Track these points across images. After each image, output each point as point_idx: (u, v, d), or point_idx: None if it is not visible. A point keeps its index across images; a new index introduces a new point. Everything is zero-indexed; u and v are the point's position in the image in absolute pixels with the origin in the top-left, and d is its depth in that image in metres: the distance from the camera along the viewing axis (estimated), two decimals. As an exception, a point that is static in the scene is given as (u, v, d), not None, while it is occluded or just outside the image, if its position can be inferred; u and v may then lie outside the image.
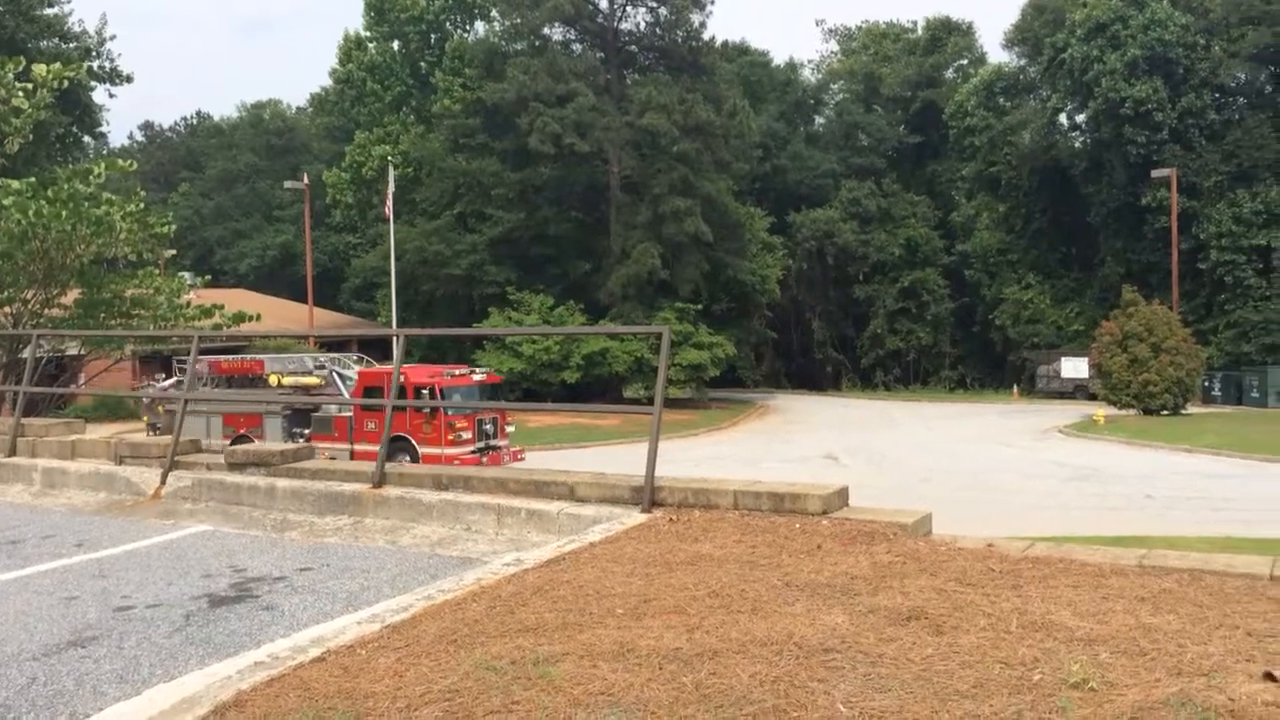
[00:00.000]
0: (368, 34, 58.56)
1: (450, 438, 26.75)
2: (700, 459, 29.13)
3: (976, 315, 58.78)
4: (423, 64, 57.19)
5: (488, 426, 28.00)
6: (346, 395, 28.33)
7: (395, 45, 58.18)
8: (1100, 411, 38.39)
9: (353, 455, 26.90)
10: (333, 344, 39.06)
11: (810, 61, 75.70)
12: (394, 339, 14.09)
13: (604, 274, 49.47)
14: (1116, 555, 7.63)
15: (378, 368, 33.23)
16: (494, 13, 55.28)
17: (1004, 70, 61.25)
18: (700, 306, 49.46)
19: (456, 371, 29.21)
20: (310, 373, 28.79)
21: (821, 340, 62.83)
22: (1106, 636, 5.25)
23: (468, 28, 59.23)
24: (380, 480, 9.72)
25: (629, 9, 52.29)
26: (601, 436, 35.21)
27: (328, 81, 64.02)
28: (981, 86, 59.53)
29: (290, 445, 11.91)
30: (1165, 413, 38.35)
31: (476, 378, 29.73)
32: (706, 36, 52.41)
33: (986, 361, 58.74)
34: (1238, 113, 49.07)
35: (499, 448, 27.98)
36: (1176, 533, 17.49)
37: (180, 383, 30.37)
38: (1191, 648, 5.07)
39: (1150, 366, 38.18)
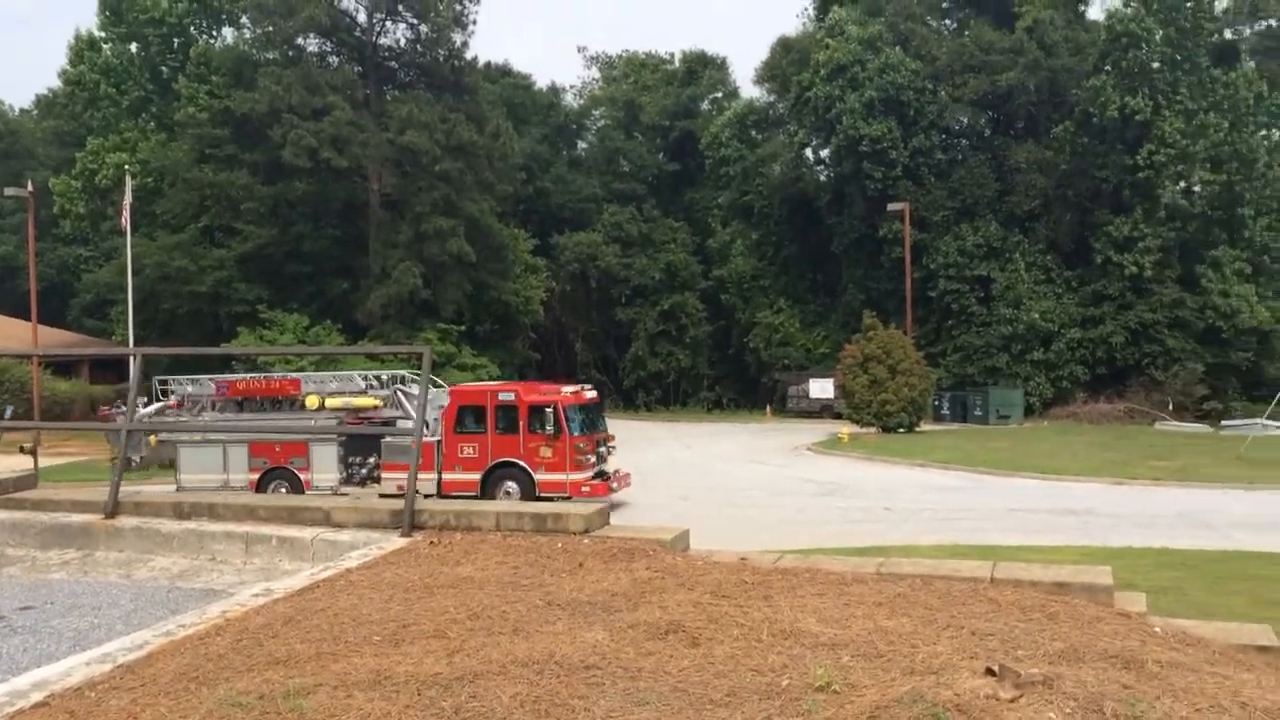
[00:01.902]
0: (102, 34, 54.64)
1: (576, 461, 23.91)
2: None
3: (732, 338, 61.08)
4: (164, 69, 53.92)
5: (602, 449, 25.58)
6: (415, 418, 25.57)
7: (133, 47, 54.59)
8: (845, 430, 40.60)
9: (441, 487, 24.03)
10: (60, 363, 35.90)
11: (573, 87, 76.72)
12: (130, 359, 13.07)
13: (363, 293, 48.18)
14: (858, 564, 8.08)
15: (475, 385, 30.48)
16: (244, 19, 52.90)
17: (755, 105, 64.22)
18: (463, 327, 48.97)
19: (571, 389, 25.64)
20: (364, 392, 24.94)
21: (585, 362, 63.55)
22: (848, 640, 5.54)
23: (214, 33, 56.38)
24: (113, 510, 9.03)
25: (389, 24, 51.41)
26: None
27: (56, 83, 59.34)
28: (735, 119, 62.16)
29: (10, 475, 10.70)
30: (901, 430, 41.04)
31: (590, 395, 26.62)
32: (469, 56, 52.20)
33: (742, 382, 61.10)
34: (961, 153, 53.42)
35: (614, 472, 25.24)
36: (912, 542, 18.68)
37: (167, 408, 25.77)
38: (923, 648, 5.43)
39: (888, 387, 40.80)
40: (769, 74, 61.75)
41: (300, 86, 46.22)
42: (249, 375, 26.92)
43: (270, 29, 49.38)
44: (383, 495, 23.58)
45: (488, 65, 61.68)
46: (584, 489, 23.64)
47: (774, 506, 24.11)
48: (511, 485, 23.80)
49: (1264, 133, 49.66)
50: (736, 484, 28.15)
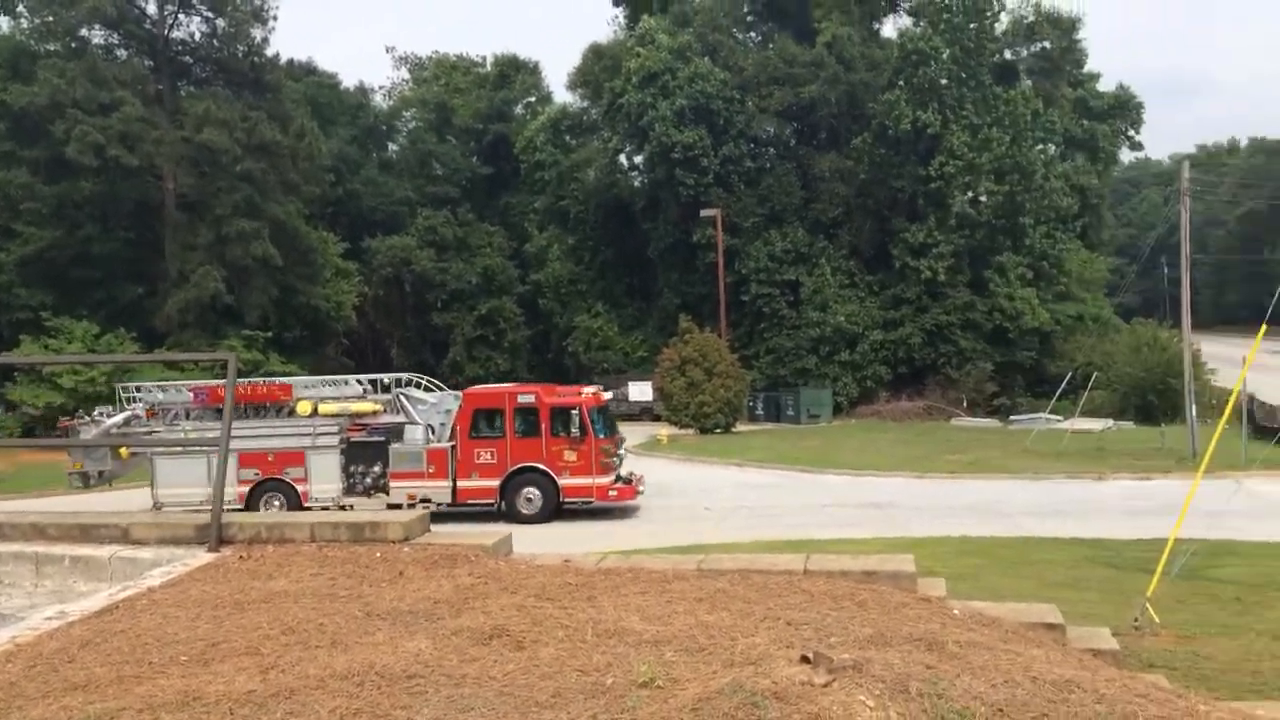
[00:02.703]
0: None
1: (602, 464, 23.01)
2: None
3: (551, 342, 61.09)
4: (-71, 58, 49.73)
5: (622, 452, 24.84)
6: (421, 423, 23.26)
7: (-108, 34, 50.15)
8: (664, 431, 41.21)
9: (456, 495, 23.04)
10: None
11: (382, 88, 74.86)
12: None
13: (160, 298, 45.72)
14: (679, 562, 8.23)
15: (491, 387, 28.68)
16: (20, 8, 49.36)
17: (569, 110, 64.48)
18: (270, 334, 47.13)
19: (590, 390, 24.60)
20: (362, 397, 23.66)
21: (401, 367, 62.03)
22: (670, 636, 5.64)
23: (-13, 22, 52.39)
24: (-121, 536, 8.29)
25: (182, 17, 48.95)
26: (159, 475, 32.30)
27: None
28: (549, 124, 62.23)
29: None
30: (719, 431, 42.00)
31: (607, 396, 26.15)
32: (270, 53, 50.39)
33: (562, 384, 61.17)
34: (769, 162, 55.14)
35: (632, 477, 24.23)
36: (731, 539, 19.14)
37: (135, 417, 23.89)
38: (742, 640, 5.58)
39: (705, 389, 41.70)
40: (582, 80, 62.14)
41: (85, 80, 43.47)
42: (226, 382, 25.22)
43: (50, 19, 46.27)
44: (390, 505, 22.81)
45: (290, 63, 59.61)
46: (611, 492, 23.20)
47: (598, 508, 24.23)
48: (533, 491, 22.90)
49: (1040, 147, 53.34)
50: (556, 488, 28.06)
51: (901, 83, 49.47)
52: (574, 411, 22.92)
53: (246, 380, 25.65)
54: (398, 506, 22.46)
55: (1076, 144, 58.94)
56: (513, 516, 22.54)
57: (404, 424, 23.39)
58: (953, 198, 49.70)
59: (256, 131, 45.45)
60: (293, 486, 23.08)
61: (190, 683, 4.87)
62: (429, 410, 23.67)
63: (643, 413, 50.74)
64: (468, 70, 71.24)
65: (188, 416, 24.04)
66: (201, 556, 7.63)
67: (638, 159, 57.79)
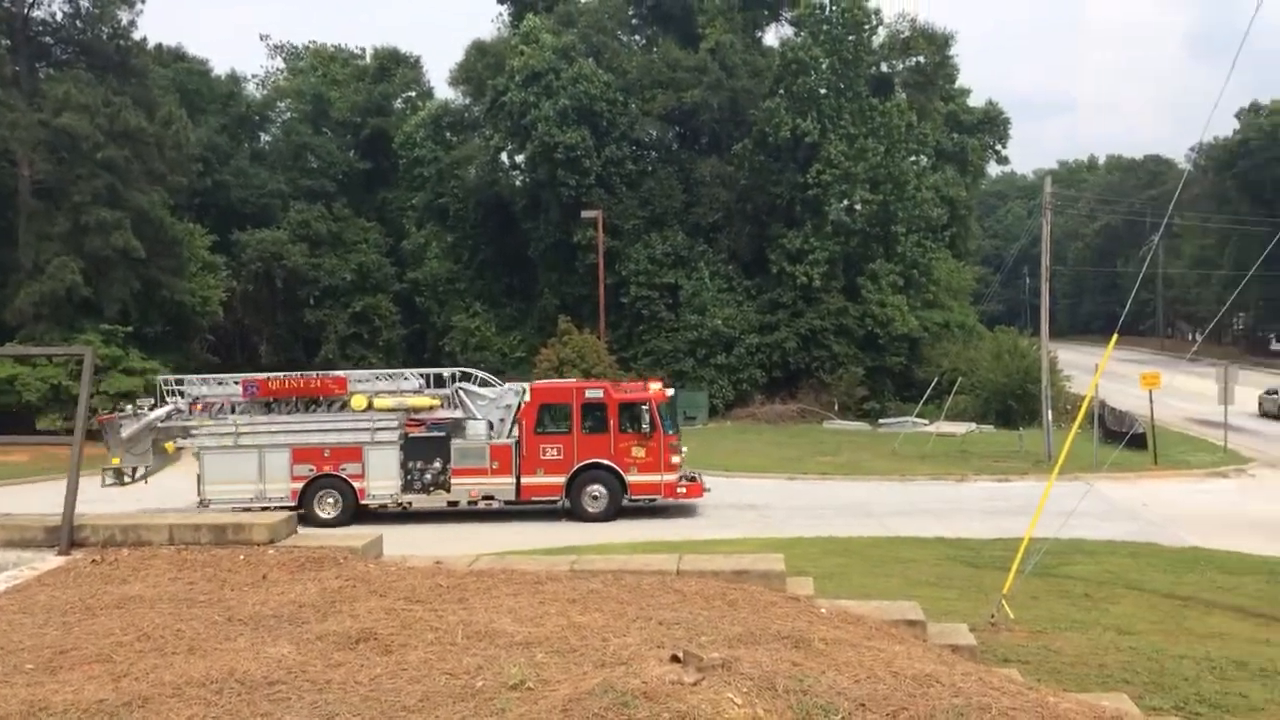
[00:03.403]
0: None
1: (671, 461, 22.79)
2: (141, 496, 26.62)
3: (428, 341, 60.16)
4: None
5: (684, 449, 24.24)
6: (481, 419, 22.84)
7: None
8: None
9: (520, 492, 22.71)
10: None
11: (255, 76, 72.43)
12: None
13: (11, 290, 43.46)
14: (552, 563, 8.21)
15: (557, 382, 27.91)
16: None
17: (450, 106, 63.66)
18: (131, 328, 45.19)
19: (655, 385, 24.14)
20: (419, 391, 23.16)
21: (270, 365, 60.20)
22: (542, 638, 5.63)
23: None
24: None
25: (43, -5, 46.66)
26: (8, 474, 30.87)
27: None
28: (429, 119, 61.33)
29: None
30: (594, 431, 41.94)
31: (669, 392, 25.36)
32: (137, 36, 48.34)
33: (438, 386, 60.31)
34: (651, 165, 55.45)
35: (697, 475, 24.11)
36: (607, 540, 19.24)
37: (177, 411, 23.08)
38: (614, 640, 5.60)
39: (581, 390, 41.61)
40: (464, 76, 61.43)
41: (-66, 57, 41.08)
42: (282, 374, 24.44)
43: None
44: (451, 503, 22.90)
45: (158, 47, 57.32)
46: (679, 489, 23.09)
47: (477, 510, 24.03)
48: (598, 488, 22.71)
49: (913, 159, 54.99)
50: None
51: (782, 91, 50.38)
52: (644, 407, 22.82)
53: (299, 372, 25.30)
54: (455, 504, 22.77)
55: (947, 156, 60.95)
56: (577, 514, 22.67)
57: (462, 419, 23.08)
58: (829, 205, 50.81)
59: (120, 117, 43.58)
60: (349, 483, 22.65)
61: (36, 692, 4.64)
62: (488, 405, 23.37)
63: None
64: (346, 62, 69.67)
65: (233, 410, 23.25)
66: (51, 560, 7.28)
67: (519, 158, 57.38)
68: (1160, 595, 14.39)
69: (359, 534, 8.19)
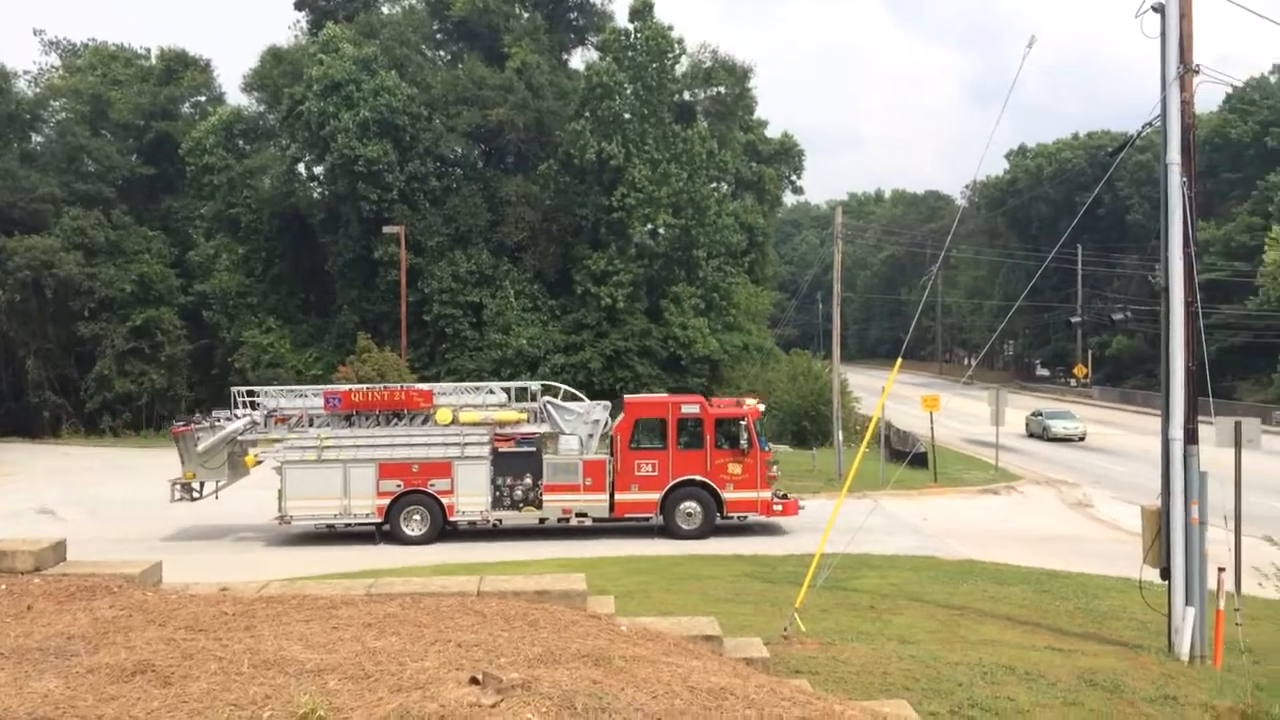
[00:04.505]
0: None
1: (767, 478, 22.54)
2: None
3: (215, 358, 57.33)
4: None
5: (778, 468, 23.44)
6: (569, 434, 22.09)
7: None
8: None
9: (614, 509, 22.41)
10: None
11: (27, 73, 67.27)
12: None
13: None
14: (348, 587, 7.96)
15: (652, 396, 26.54)
16: None
17: (244, 113, 61.07)
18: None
19: (751, 402, 23.48)
20: (505, 405, 22.72)
21: (37, 381, 56.13)
22: (335, 664, 5.44)
23: None
24: None
25: None
26: None
27: None
28: (220, 126, 58.59)
29: None
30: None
31: (762, 408, 24.70)
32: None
33: (226, 406, 57.50)
34: (456, 182, 54.83)
35: (787, 494, 23.69)
36: (408, 563, 18.80)
37: (254, 424, 22.80)
38: (411, 664, 5.48)
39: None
40: (259, 83, 59.09)
41: None
42: (366, 386, 23.91)
43: None
44: (542, 520, 22.32)
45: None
46: (776, 507, 22.77)
47: (284, 532, 23.12)
48: (692, 505, 22.29)
49: (714, 185, 56.59)
50: (230, 510, 26.42)
51: (587, 114, 50.90)
52: (741, 423, 22.63)
53: (383, 385, 24.66)
54: (545, 520, 22.43)
55: (746, 185, 63.06)
56: (672, 531, 22.42)
57: (550, 434, 22.63)
58: (633, 228, 51.60)
59: None
60: (437, 499, 22.02)
61: None
62: (575, 420, 22.82)
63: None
64: (129, 62, 65.76)
65: (311, 423, 22.39)
66: None
67: (318, 170, 55.68)
68: (938, 606, 15.23)
69: (134, 561, 7.70)
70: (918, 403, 36.61)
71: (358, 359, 42.11)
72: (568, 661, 5.74)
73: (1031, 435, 50.68)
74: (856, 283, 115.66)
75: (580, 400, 23.96)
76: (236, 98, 64.24)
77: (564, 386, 24.73)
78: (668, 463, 22.74)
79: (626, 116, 51.34)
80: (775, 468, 24.00)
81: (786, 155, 68.00)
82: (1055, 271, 69.38)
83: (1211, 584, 13.00)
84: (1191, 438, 12.89)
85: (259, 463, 22.96)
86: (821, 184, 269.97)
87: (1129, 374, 77.79)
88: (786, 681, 6.76)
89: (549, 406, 23.13)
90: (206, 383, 58.16)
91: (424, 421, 22.64)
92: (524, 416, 22.85)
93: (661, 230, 53.48)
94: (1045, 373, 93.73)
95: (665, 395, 27.79)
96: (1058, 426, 50.31)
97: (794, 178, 70.04)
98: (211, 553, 21.01)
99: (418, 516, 22.30)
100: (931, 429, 35.19)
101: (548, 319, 52.53)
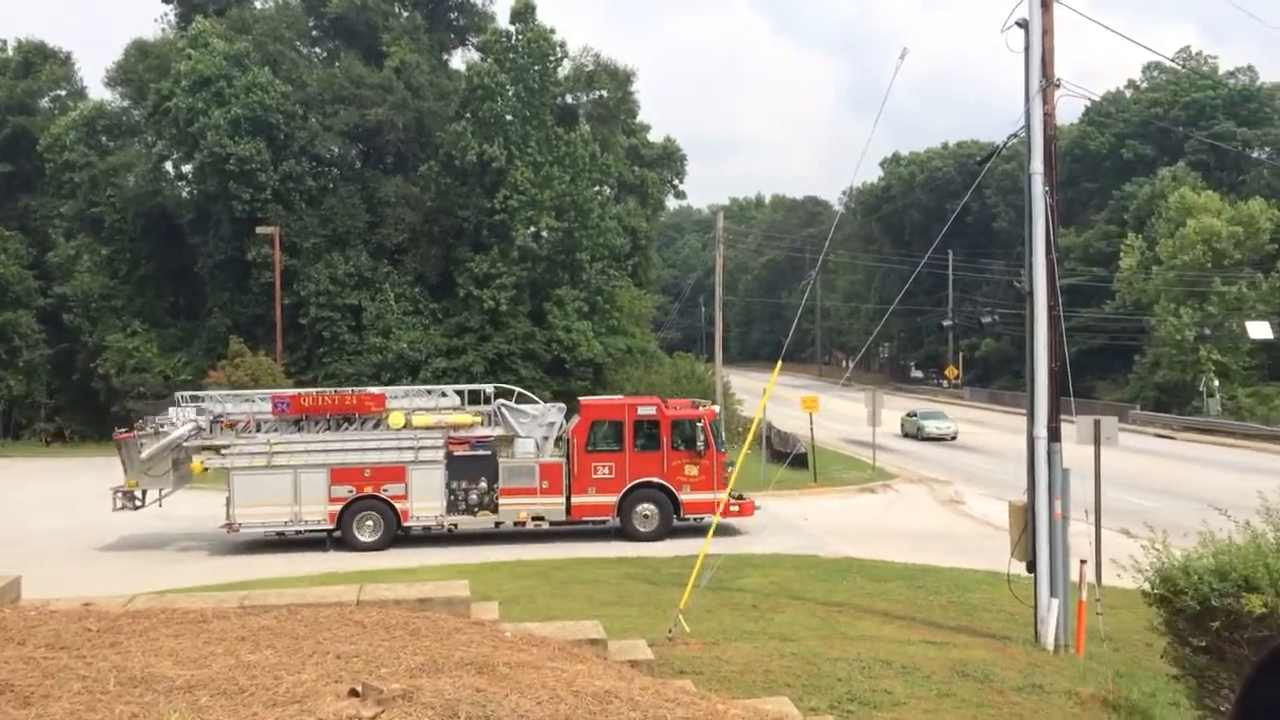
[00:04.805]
0: None
1: (723, 479, 21.86)
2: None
3: (77, 363, 54.85)
4: None
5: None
6: (524, 437, 22.14)
7: None
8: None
9: (570, 512, 22.26)
10: None
11: None
12: None
13: None
14: (220, 600, 7.71)
15: (609, 399, 26.00)
16: None
17: (107, 108, 58.62)
18: None
19: (705, 403, 24.14)
20: (459, 408, 22.41)
21: (-121, 389, 52.91)
22: (207, 680, 5.26)
23: None
24: None
25: None
26: None
27: None
28: (82, 121, 56.08)
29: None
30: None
31: (717, 409, 25.56)
32: None
33: (89, 412, 55.03)
34: (333, 182, 53.67)
35: (743, 495, 23.50)
36: (287, 572, 18.31)
37: (199, 429, 21.98)
38: (287, 678, 5.33)
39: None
40: (123, 77, 56.81)
41: None
42: (314, 390, 23.67)
43: None
44: (498, 525, 21.85)
45: None
46: (732, 508, 22.30)
47: (142, 547, 22.25)
48: (649, 507, 22.13)
49: (596, 188, 56.66)
50: (92, 523, 25.31)
51: (469, 115, 50.41)
52: (698, 424, 22.63)
53: (334, 389, 24.47)
54: (500, 524, 22.03)
55: (629, 188, 63.30)
56: (629, 534, 22.25)
57: (505, 437, 22.37)
58: (516, 231, 51.31)
59: None
60: (390, 505, 21.65)
61: None
62: (530, 423, 22.51)
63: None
64: (-17, 53, 62.63)
65: (259, 428, 21.75)
66: None
67: (186, 168, 53.83)
68: (819, 603, 15.54)
69: (-10, 577, 7.33)
70: (798, 404, 37.29)
71: (230, 364, 40.90)
72: (451, 670, 5.67)
73: (906, 435, 52.14)
74: (738, 286, 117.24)
75: (535, 403, 23.80)
76: (99, 92, 61.82)
77: (518, 389, 24.48)
78: (624, 465, 22.66)
79: (508, 118, 51.03)
80: (730, 469, 24.06)
81: (669, 159, 68.52)
82: (928, 276, 71.66)
83: (1074, 576, 13.59)
84: (1055, 436, 13.45)
85: (205, 469, 22.39)
86: (704, 188, 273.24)
87: (997, 375, 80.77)
88: (671, 682, 6.81)
89: (503, 409, 22.91)
90: (67, 389, 55.70)
91: (375, 426, 22.27)
92: (478, 420, 22.62)
93: (544, 233, 53.33)
94: (919, 374, 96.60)
95: (622, 398, 27.46)
96: (931, 426, 51.90)
97: (676, 182, 70.66)
98: (128, 563, 20.09)
99: (370, 523, 21.97)
100: (811, 430, 35.89)
101: (429, 322, 51.83)
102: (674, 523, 22.90)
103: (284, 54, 52.86)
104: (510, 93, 51.00)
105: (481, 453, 22.40)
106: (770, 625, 13.58)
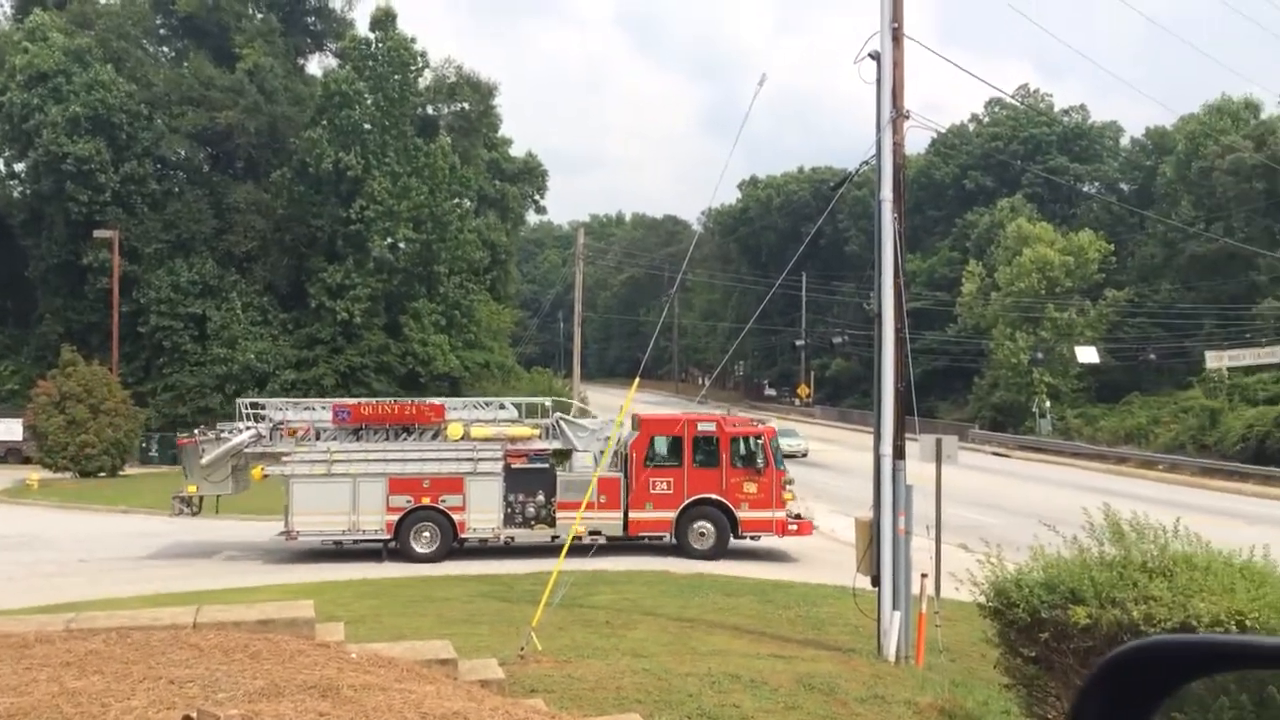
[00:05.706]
0: None
1: (782, 497, 21.88)
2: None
3: (-110, 371, 51.27)
4: None
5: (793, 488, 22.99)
6: (582, 451, 21.88)
7: None
8: (35, 475, 36.57)
9: (628, 528, 21.63)
10: None
11: None
12: None
13: None
14: (44, 623, 7.28)
15: (668, 414, 26.49)
16: None
17: (-69, 100, 55.15)
18: None
19: (763, 420, 24.03)
20: (518, 420, 22.39)
21: None
22: (29, 708, 4.97)
23: None
24: None
25: None
26: None
27: None
28: (-97, 113, 52.64)
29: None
30: (103, 475, 38.18)
31: (776, 427, 25.91)
32: None
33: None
34: (179, 186, 51.68)
35: (801, 514, 22.81)
36: (113, 594, 17.39)
37: (260, 435, 21.68)
38: (116, 705, 5.07)
39: (89, 428, 37.83)
40: (-48, 68, 53.56)
41: None
42: (374, 399, 23.01)
43: None
44: (554, 539, 20.42)
45: None
46: (790, 527, 22.02)
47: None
48: (705, 525, 21.45)
49: (456, 201, 56.14)
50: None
51: (325, 122, 49.30)
52: (758, 441, 22.23)
53: (394, 399, 24.05)
54: (557, 538, 20.55)
55: (489, 202, 62.88)
56: (685, 550, 21.71)
57: (565, 450, 21.91)
58: (372, 241, 50.38)
59: None
60: (448, 516, 21.22)
61: None
62: (588, 437, 22.23)
63: (9, 454, 44.50)
64: None
65: (318, 437, 21.67)
66: None
67: (19, 166, 51.11)
68: (671, 619, 15.66)
69: None
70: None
71: (61, 373, 38.87)
72: (293, 694, 5.49)
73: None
74: (597, 303, 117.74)
75: (593, 417, 24.27)
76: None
77: (575, 403, 24.68)
78: (683, 481, 22.19)
79: (366, 127, 50.14)
80: (790, 487, 23.28)
81: (530, 174, 68.39)
82: (782, 297, 73.37)
83: (915, 589, 14.07)
84: (899, 453, 13.92)
85: (266, 476, 21.83)
86: (565, 204, 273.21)
87: (847, 394, 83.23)
88: (521, 702, 6.75)
89: (561, 423, 22.76)
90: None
91: (434, 436, 22.12)
92: (537, 432, 22.39)
93: (402, 244, 52.54)
94: (773, 392, 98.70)
95: (681, 413, 27.05)
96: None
97: (537, 197, 70.59)
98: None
99: (427, 534, 21.58)
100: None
101: (279, 333, 50.34)
102: (730, 541, 22.41)
103: (129, 51, 50.75)
104: (369, 101, 50.15)
105: (539, 465, 22.08)
106: (623, 642, 13.60)
